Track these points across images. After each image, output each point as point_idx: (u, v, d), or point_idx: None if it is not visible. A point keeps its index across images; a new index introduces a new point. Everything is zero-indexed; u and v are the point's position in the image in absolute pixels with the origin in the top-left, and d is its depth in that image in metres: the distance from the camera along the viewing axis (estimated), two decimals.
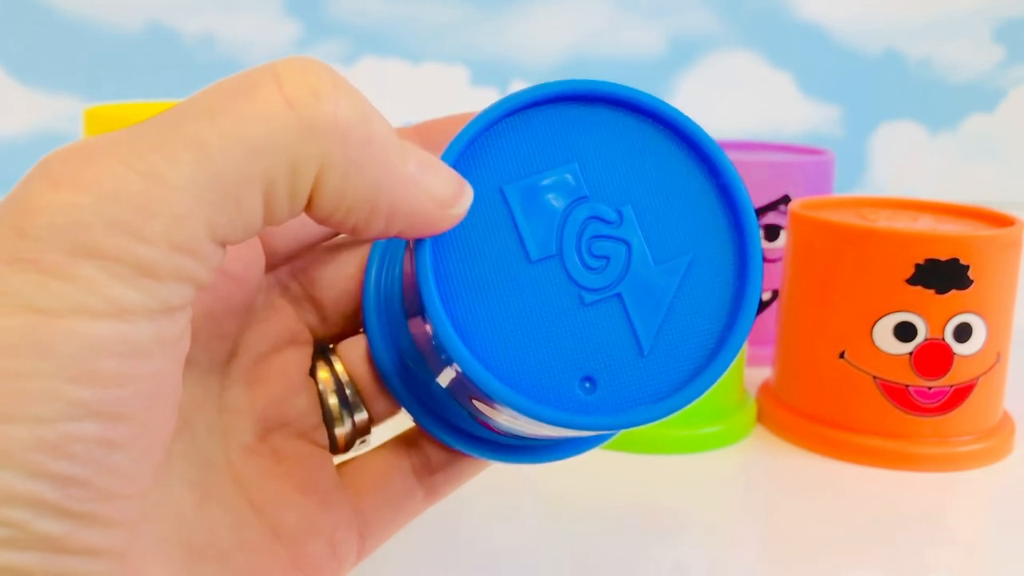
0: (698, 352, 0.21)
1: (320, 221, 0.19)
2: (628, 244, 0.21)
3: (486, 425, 0.23)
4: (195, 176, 0.17)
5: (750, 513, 0.39)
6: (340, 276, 0.26)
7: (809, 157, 0.58)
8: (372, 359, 0.26)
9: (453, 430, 0.25)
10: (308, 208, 0.19)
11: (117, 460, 0.17)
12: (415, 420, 0.26)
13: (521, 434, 0.23)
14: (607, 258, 0.21)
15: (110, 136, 0.17)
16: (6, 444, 0.16)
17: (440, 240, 0.20)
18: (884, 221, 0.45)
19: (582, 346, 0.20)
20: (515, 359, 0.20)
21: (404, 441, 0.26)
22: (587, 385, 0.20)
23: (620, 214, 0.21)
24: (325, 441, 0.26)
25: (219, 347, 0.24)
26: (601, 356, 0.20)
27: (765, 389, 0.48)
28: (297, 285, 0.26)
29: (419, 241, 0.20)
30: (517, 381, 0.20)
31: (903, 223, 0.44)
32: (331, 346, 0.26)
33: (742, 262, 0.21)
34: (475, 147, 0.21)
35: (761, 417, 0.47)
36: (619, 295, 0.21)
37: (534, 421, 0.20)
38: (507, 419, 0.21)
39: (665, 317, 0.21)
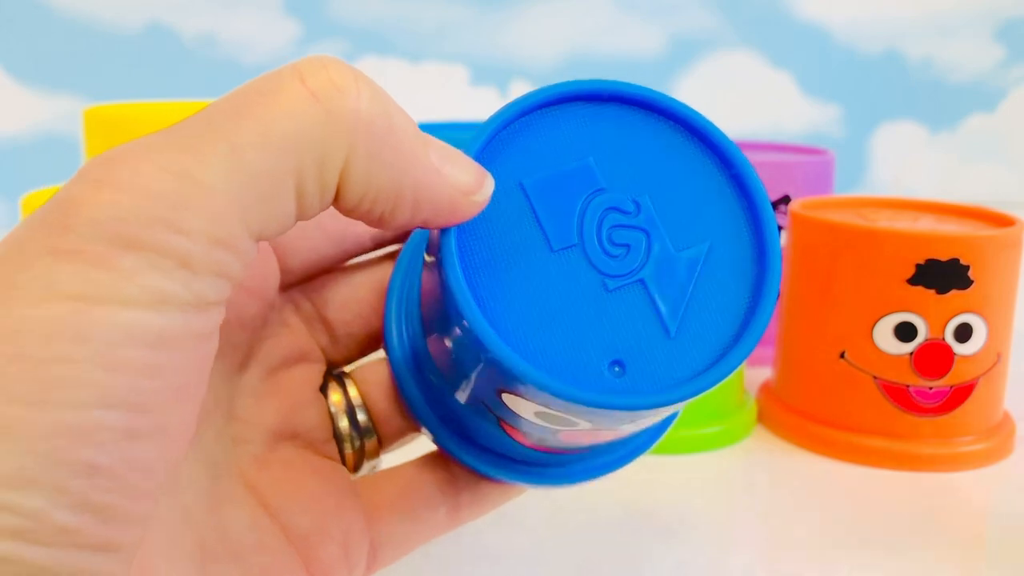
0: (724, 332, 0.21)
1: (348, 212, 0.20)
2: (647, 232, 0.21)
3: (513, 433, 0.23)
4: (228, 174, 0.17)
5: (750, 513, 0.39)
6: (353, 299, 0.26)
7: (809, 157, 0.58)
8: (391, 384, 0.26)
9: (478, 449, 0.25)
10: (336, 200, 0.19)
11: (139, 452, 0.17)
12: (435, 441, 0.26)
13: (551, 443, 0.23)
14: (627, 246, 0.21)
15: (144, 140, 0.18)
16: (30, 428, 0.16)
17: (464, 231, 0.21)
18: (884, 221, 0.45)
19: (609, 331, 0.20)
20: (543, 345, 0.20)
21: (431, 458, 0.26)
22: (616, 369, 0.20)
23: (637, 204, 0.21)
24: (336, 454, 0.26)
25: (231, 357, 0.24)
26: (628, 340, 0.20)
27: (765, 389, 0.48)
28: (310, 305, 0.26)
29: (444, 231, 0.20)
30: (547, 366, 0.20)
31: (903, 223, 0.44)
32: (345, 370, 0.27)
33: (760, 246, 0.21)
34: (493, 144, 0.21)
35: (761, 417, 0.47)
36: (642, 281, 0.21)
37: (564, 409, 0.20)
38: (537, 413, 0.21)
39: (689, 300, 0.21)
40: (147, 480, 0.17)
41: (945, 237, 0.41)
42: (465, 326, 0.20)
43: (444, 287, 0.20)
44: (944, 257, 0.41)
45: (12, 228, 0.18)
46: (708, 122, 0.22)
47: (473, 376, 0.22)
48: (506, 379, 0.20)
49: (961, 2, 1.04)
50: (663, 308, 0.21)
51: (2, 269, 0.17)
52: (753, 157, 0.57)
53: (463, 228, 0.21)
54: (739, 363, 0.20)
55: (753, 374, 0.50)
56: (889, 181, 1.06)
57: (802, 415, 0.44)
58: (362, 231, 0.26)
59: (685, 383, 0.20)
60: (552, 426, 0.22)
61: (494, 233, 0.21)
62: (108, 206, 0.17)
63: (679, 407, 0.21)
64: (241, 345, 0.24)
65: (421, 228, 0.21)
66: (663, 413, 0.21)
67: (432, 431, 0.25)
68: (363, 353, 0.27)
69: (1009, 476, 0.42)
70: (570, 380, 0.20)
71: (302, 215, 0.19)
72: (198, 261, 0.17)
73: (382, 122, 0.19)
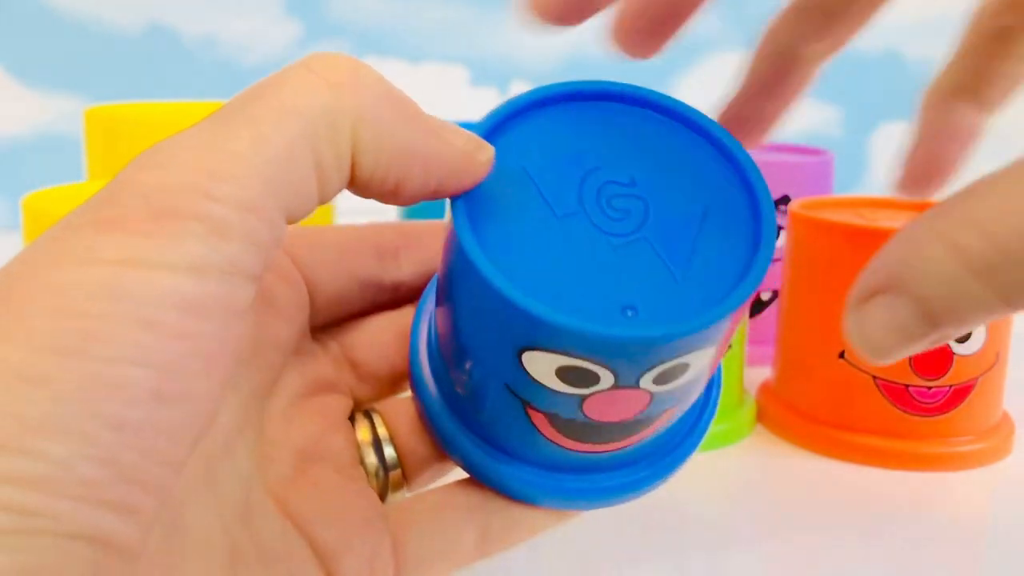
0: (729, 273, 0.22)
1: (365, 188, 0.21)
2: (644, 200, 0.23)
3: (541, 423, 0.23)
4: (253, 146, 0.19)
5: (750, 513, 0.39)
6: (377, 341, 0.28)
7: (809, 157, 0.58)
8: (417, 418, 0.27)
9: (506, 465, 0.25)
10: (352, 177, 0.21)
11: (165, 415, 0.18)
12: (465, 465, 0.26)
13: (579, 428, 0.23)
14: (627, 211, 0.23)
15: (183, 132, 0.20)
16: (65, 378, 0.16)
17: (472, 201, 0.22)
18: (884, 221, 0.45)
19: (618, 280, 0.22)
20: (557, 295, 0.21)
21: (463, 482, 0.26)
22: (629, 313, 0.21)
23: (633, 178, 0.23)
24: (363, 478, 0.26)
25: (262, 378, 0.25)
26: (638, 287, 0.22)
27: (765, 389, 0.48)
28: (337, 345, 0.28)
29: (454, 200, 0.22)
30: (562, 309, 0.21)
31: (903, 223, 0.44)
32: (374, 408, 0.28)
33: (754, 203, 0.23)
34: (494, 135, 0.23)
35: (761, 417, 0.47)
36: (645, 238, 0.22)
37: (583, 352, 0.20)
38: (559, 371, 0.21)
39: (691, 250, 0.22)
40: (170, 446, 0.18)
41: None
42: (480, 283, 0.21)
43: (457, 252, 0.21)
44: None
45: (12, 228, 0.19)
46: (692, 109, 0.24)
47: (491, 348, 0.22)
48: (523, 329, 0.21)
49: (961, 2, 1.04)
50: (668, 258, 0.22)
51: (51, 239, 0.18)
52: (752, 157, 0.57)
53: (471, 199, 0.22)
54: (745, 298, 0.21)
55: (753, 374, 0.50)
56: (889, 181, 1.06)
57: (802, 415, 0.44)
58: (387, 281, 0.28)
59: (695, 315, 0.21)
60: (576, 390, 0.22)
61: (500, 204, 0.22)
62: (149, 181, 0.18)
63: (695, 356, 0.22)
64: (274, 367, 0.25)
65: (432, 198, 0.22)
66: (684, 363, 0.21)
67: (460, 452, 0.26)
68: (387, 393, 0.28)
69: (1008, 476, 0.42)
70: (586, 318, 0.20)
71: (323, 192, 0.20)
72: (231, 227, 0.18)
73: (383, 93, 0.21)
